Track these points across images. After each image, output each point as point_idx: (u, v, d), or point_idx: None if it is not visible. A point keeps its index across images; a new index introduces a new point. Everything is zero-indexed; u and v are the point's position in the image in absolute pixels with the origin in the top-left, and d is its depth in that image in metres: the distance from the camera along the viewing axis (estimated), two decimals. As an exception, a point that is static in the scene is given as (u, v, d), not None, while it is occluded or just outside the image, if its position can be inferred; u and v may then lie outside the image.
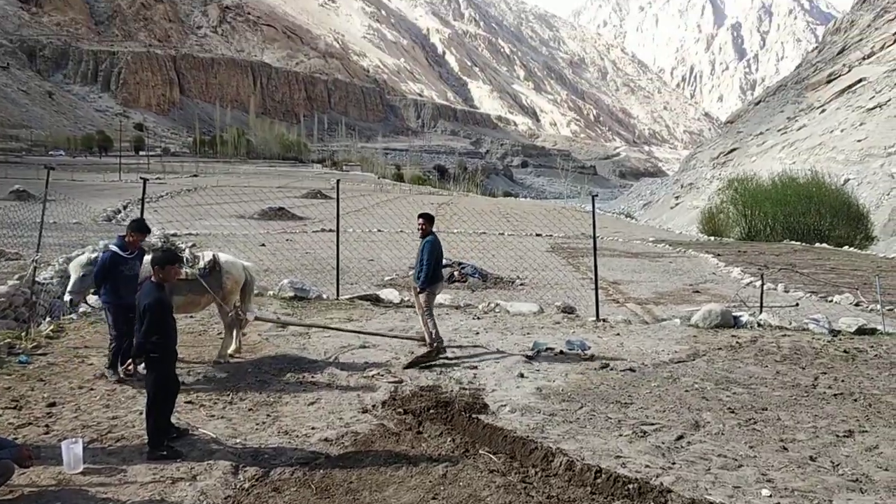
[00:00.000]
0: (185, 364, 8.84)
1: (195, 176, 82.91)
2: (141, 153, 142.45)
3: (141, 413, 6.99)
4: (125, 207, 35.56)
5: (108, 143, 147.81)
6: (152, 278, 6.57)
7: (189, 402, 7.64)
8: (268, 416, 7.41)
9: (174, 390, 6.60)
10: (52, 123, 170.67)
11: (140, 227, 8.50)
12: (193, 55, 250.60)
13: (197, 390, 8.11)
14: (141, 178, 17.20)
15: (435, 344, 9.80)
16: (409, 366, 9.43)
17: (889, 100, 73.51)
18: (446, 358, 9.84)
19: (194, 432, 6.79)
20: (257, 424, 7.15)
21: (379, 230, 30.45)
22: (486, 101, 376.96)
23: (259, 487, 5.74)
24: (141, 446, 6.37)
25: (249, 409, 7.59)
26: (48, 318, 11.22)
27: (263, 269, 18.03)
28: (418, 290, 10.11)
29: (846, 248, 32.78)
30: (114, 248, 8.33)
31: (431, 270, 10.02)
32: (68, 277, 8.65)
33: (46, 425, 6.84)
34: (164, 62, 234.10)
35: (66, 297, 8.64)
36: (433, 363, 9.59)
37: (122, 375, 8.24)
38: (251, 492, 5.66)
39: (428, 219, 10.34)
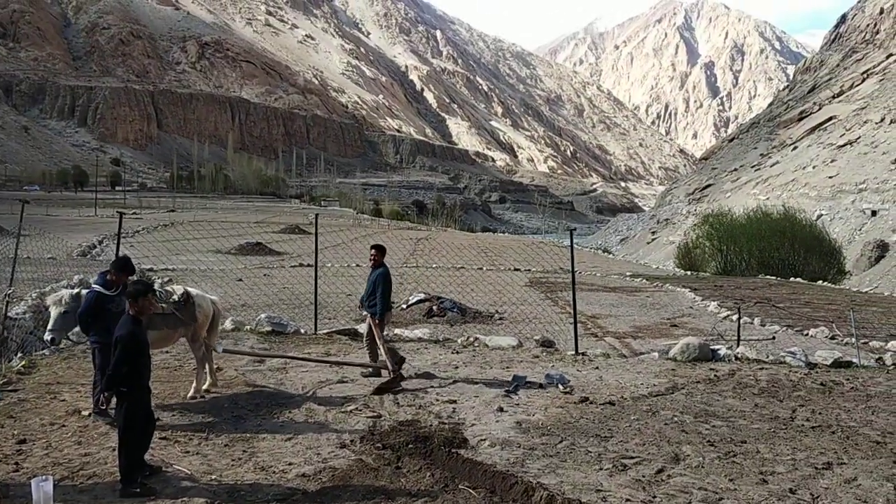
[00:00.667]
0: (160, 399, 8.70)
1: (172, 211, 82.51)
2: (117, 188, 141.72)
3: (113, 450, 6.86)
4: (101, 242, 35.26)
5: (84, 178, 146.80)
6: (129, 311, 6.51)
7: (164, 438, 7.50)
8: (244, 451, 7.30)
9: (149, 427, 6.49)
10: (28, 158, 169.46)
11: (124, 267, 8.25)
12: (172, 90, 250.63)
13: (172, 426, 7.98)
14: (117, 211, 17.08)
15: (398, 370, 10.24)
16: (377, 392, 9.69)
17: (859, 137, 75.09)
18: (417, 385, 9.80)
19: (168, 469, 6.67)
20: (233, 460, 7.03)
21: (357, 265, 30.36)
22: (464, 137, 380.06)
23: (234, 525, 5.63)
24: (113, 483, 6.24)
25: (225, 445, 7.47)
26: (19, 354, 11.03)
27: (241, 304, 17.90)
28: (377, 319, 10.70)
29: (820, 282, 33.16)
30: (97, 287, 8.12)
31: (388, 300, 10.78)
32: (48, 314, 8.35)
33: (16, 463, 6.68)
34: (142, 97, 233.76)
35: (48, 336, 8.34)
36: (397, 388, 9.93)
37: (92, 411, 8.06)
38: (226, 529, 5.55)
39: (381, 250, 11.07)
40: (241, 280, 22.95)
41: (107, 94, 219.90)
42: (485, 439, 7.85)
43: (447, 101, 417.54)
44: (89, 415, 8.16)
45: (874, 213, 59.67)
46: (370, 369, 10.74)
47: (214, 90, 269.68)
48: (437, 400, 9.49)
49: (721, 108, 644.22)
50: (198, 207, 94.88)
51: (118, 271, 8.16)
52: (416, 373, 10.93)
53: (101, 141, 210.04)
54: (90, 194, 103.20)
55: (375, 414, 8.73)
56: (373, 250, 11.03)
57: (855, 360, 12.75)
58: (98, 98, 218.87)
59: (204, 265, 26.80)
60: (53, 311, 8.26)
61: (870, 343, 15.11)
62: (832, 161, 74.43)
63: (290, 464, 6.97)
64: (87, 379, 9.79)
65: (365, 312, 11.08)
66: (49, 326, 8.25)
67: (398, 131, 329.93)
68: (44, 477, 5.83)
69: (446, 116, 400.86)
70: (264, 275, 25.64)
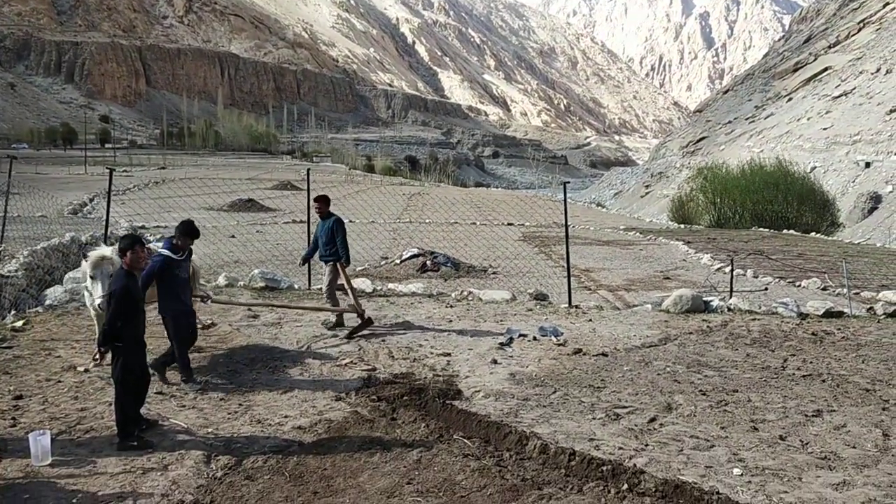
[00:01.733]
0: (155, 355, 8.71)
1: (163, 168, 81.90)
2: (107, 146, 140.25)
3: (110, 404, 6.90)
4: (91, 200, 35.04)
5: (72, 135, 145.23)
6: (122, 265, 6.48)
7: (159, 393, 7.55)
8: (240, 405, 7.35)
9: (144, 381, 6.52)
10: (15, 116, 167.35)
11: (188, 231, 8.05)
12: (159, 46, 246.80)
13: (167, 381, 8.01)
14: (107, 168, 16.91)
15: (366, 314, 10.65)
16: (350, 336, 10.22)
17: (854, 88, 74.67)
18: (411, 339, 9.86)
19: (164, 423, 6.72)
20: (229, 414, 7.08)
21: (350, 221, 30.26)
22: (456, 90, 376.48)
23: (232, 476, 5.69)
24: (111, 437, 6.28)
25: (221, 399, 7.51)
26: (13, 312, 11.01)
27: (234, 261, 17.89)
28: (343, 265, 10.88)
29: (813, 234, 33.28)
30: (165, 252, 7.94)
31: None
32: (101, 275, 7.59)
33: (13, 418, 6.71)
34: (130, 53, 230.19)
35: (97, 301, 7.57)
36: (364, 331, 10.43)
37: (202, 383, 7.90)
38: (223, 480, 5.61)
39: (325, 201, 11.10)
40: (233, 237, 22.88)
41: (93, 50, 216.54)
42: (479, 391, 7.91)
43: (439, 54, 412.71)
44: (85, 371, 8.19)
45: (868, 164, 59.63)
46: (332, 321, 10.86)
47: (203, 45, 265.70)
48: (432, 353, 9.55)
49: (716, 59, 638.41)
50: (189, 164, 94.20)
51: (182, 235, 8.00)
52: (409, 326, 10.99)
53: (88, 98, 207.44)
54: (79, 152, 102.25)
55: (370, 367, 8.78)
56: (316, 203, 11.05)
57: (846, 310, 12.85)
58: (84, 54, 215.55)
59: (196, 222, 26.67)
60: (101, 276, 7.68)
61: (861, 293, 15.22)
62: (827, 112, 74.11)
63: (286, 416, 7.02)
64: (81, 335, 9.81)
65: (323, 263, 11.15)
66: (101, 293, 7.55)
67: (390, 86, 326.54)
68: (41, 431, 5.87)
69: (438, 70, 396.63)
70: (257, 231, 25.57)
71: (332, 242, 10.83)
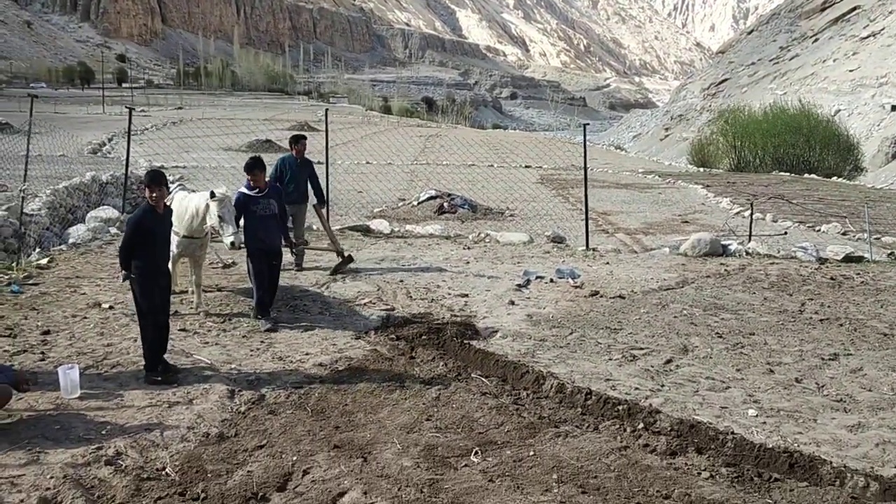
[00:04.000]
0: (179, 294, 8.85)
1: (180, 108, 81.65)
2: (124, 85, 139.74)
3: (135, 340, 7.05)
4: (110, 140, 35.11)
5: (89, 75, 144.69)
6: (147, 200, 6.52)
7: (183, 330, 7.68)
8: (261, 342, 7.47)
9: (154, 316, 6.41)
10: (32, 55, 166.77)
11: (250, 166, 7.98)
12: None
13: (191, 318, 8.15)
14: (127, 107, 16.89)
15: (347, 252, 10.90)
16: (334, 272, 10.45)
17: (883, 28, 72.63)
18: (429, 279, 9.94)
19: (188, 358, 6.85)
20: (251, 351, 7.21)
21: (368, 162, 30.23)
22: (474, 30, 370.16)
23: (255, 410, 5.82)
24: (137, 372, 6.43)
25: (243, 337, 7.64)
26: (38, 250, 11.17)
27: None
28: (322, 207, 11.11)
29: (835, 178, 32.84)
30: (243, 189, 8.04)
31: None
32: (226, 214, 7.61)
33: (42, 352, 6.87)
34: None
35: (230, 240, 7.57)
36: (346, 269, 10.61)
37: (271, 324, 7.93)
38: (248, 415, 5.74)
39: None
40: (252, 177, 22.90)
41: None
42: (496, 331, 8.00)
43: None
44: (110, 307, 8.33)
45: (894, 107, 58.36)
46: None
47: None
48: (449, 294, 9.62)
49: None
50: (205, 105, 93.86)
51: (247, 171, 8.00)
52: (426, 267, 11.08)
53: (104, 36, 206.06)
54: (97, 91, 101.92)
55: (389, 307, 8.87)
56: (305, 141, 11.09)
57: (866, 255, 12.77)
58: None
59: (214, 162, 26.73)
60: (228, 214, 7.65)
61: (882, 239, 15.10)
62: (854, 54, 72.28)
63: (307, 354, 7.15)
64: (105, 273, 9.96)
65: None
66: (233, 230, 7.60)
67: (407, 25, 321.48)
68: (70, 365, 6.02)
69: (456, 8, 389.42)
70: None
71: (304, 183, 10.84)
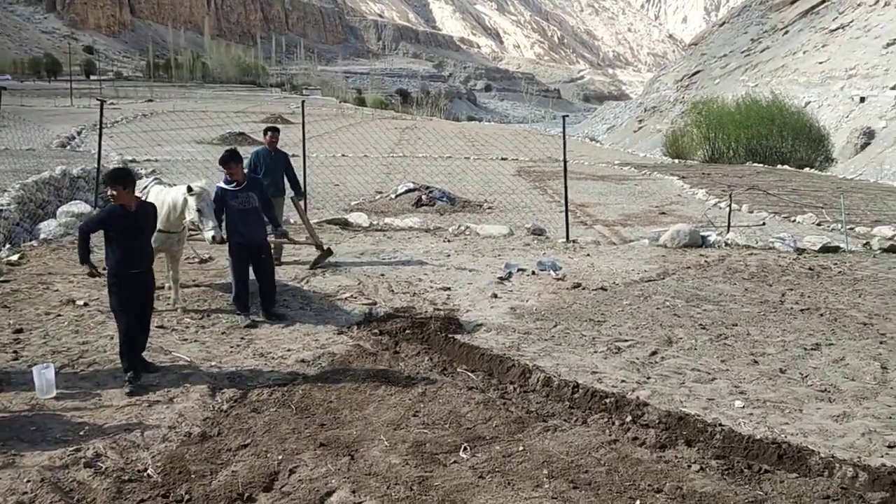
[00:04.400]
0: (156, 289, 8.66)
1: (150, 101, 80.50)
2: (92, 77, 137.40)
3: (111, 338, 6.90)
4: (79, 133, 34.48)
5: (56, 66, 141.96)
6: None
7: (160, 327, 7.52)
8: (242, 339, 7.34)
9: (128, 316, 6.12)
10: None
11: (229, 158, 7.74)
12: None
13: (168, 314, 7.99)
14: (98, 99, 16.56)
15: (326, 245, 10.73)
16: (314, 266, 10.34)
17: (851, 21, 73.51)
18: (411, 273, 9.85)
19: (167, 356, 6.71)
20: (232, 347, 7.08)
21: (343, 155, 29.99)
22: (448, 22, 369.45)
23: (238, 408, 5.71)
24: (114, 370, 6.28)
25: (223, 333, 7.51)
26: (8, 246, 10.91)
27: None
28: (301, 199, 11.00)
29: (807, 169, 33.18)
30: (220, 183, 7.85)
31: None
32: (204, 209, 7.43)
33: (15, 351, 6.69)
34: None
35: (211, 234, 7.43)
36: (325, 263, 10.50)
37: (251, 320, 7.82)
38: (230, 413, 5.63)
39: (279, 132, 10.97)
40: (226, 170, 22.61)
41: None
42: (481, 324, 7.93)
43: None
44: (84, 304, 8.15)
45: (862, 99, 59.14)
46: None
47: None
48: (432, 287, 9.54)
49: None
50: (176, 97, 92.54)
51: (223, 164, 7.77)
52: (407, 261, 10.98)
53: (71, 27, 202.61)
54: (64, 84, 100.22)
55: (371, 301, 8.77)
56: (276, 133, 10.73)
57: (843, 245, 12.88)
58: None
59: (188, 155, 26.35)
60: (207, 207, 7.48)
61: (856, 229, 15.25)
62: (823, 46, 73.09)
63: (288, 350, 7.03)
64: (78, 270, 9.72)
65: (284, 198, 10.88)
66: (213, 223, 7.44)
67: (380, 16, 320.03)
68: (45, 364, 5.87)
69: (429, 0, 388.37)
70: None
71: (279, 176, 10.58)
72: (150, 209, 6.58)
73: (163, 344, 7.04)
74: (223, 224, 7.70)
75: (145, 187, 8.34)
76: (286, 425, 5.41)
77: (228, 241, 7.77)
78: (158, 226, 7.71)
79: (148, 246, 6.46)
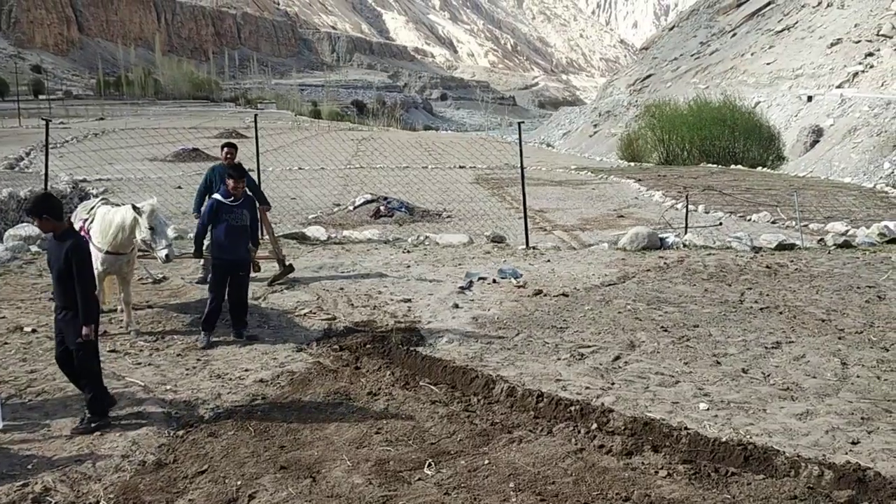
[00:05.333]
0: (107, 312, 8.42)
1: (101, 119, 79.07)
2: (41, 97, 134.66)
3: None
4: (28, 154, 33.67)
5: (3, 87, 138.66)
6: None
7: (113, 351, 7.29)
8: (198, 360, 7.14)
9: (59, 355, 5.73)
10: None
11: (241, 174, 7.66)
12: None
13: (121, 338, 7.75)
14: (43, 119, 16.13)
15: (288, 260, 10.56)
16: (272, 283, 10.10)
17: (796, 22, 75.23)
18: (370, 286, 9.72)
19: (119, 381, 6.49)
20: (187, 370, 6.88)
21: (300, 168, 29.71)
22: (402, 32, 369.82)
23: (194, 433, 5.52)
24: (64, 399, 6.05)
25: (178, 355, 7.30)
26: (-49, 272, 10.52)
27: (181, 212, 17.35)
28: (268, 209, 10.78)
29: (759, 168, 33.76)
30: (217, 196, 7.64)
31: None
32: (158, 227, 7.26)
33: (-42, 384, 6.41)
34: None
35: (164, 252, 7.27)
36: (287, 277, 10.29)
37: (208, 341, 7.61)
38: (186, 439, 5.44)
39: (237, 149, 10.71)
40: (180, 187, 22.23)
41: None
42: (442, 336, 7.84)
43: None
44: (32, 331, 7.87)
45: (810, 98, 60.43)
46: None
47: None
48: (392, 299, 9.42)
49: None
50: (128, 114, 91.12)
51: (230, 178, 7.62)
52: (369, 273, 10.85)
53: (18, 47, 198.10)
54: (12, 104, 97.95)
55: (330, 316, 8.62)
56: (233, 149, 10.36)
57: (798, 242, 13.06)
58: (11, 1, 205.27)
59: (140, 173, 25.90)
60: (160, 225, 7.29)
61: (809, 226, 15.49)
62: (770, 47, 74.65)
63: (246, 370, 6.85)
64: (26, 295, 9.44)
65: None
66: (166, 242, 7.30)
67: (333, 28, 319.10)
68: (-11, 396, 5.62)
69: (382, 11, 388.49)
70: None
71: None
72: (67, 241, 5.51)
73: (115, 369, 6.81)
74: (206, 240, 7.59)
75: (92, 208, 8.08)
76: (245, 449, 5.24)
77: (213, 258, 7.59)
78: (106, 247, 7.49)
79: (59, 284, 5.60)
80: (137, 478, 4.84)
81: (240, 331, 7.83)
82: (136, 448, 5.24)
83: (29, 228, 12.71)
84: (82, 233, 7.48)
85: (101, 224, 7.51)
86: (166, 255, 7.26)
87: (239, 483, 4.75)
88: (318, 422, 5.70)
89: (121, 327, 8.05)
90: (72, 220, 8.11)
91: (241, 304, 7.87)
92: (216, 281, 7.66)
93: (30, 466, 4.94)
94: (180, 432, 5.53)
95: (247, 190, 8.02)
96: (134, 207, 7.25)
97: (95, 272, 7.13)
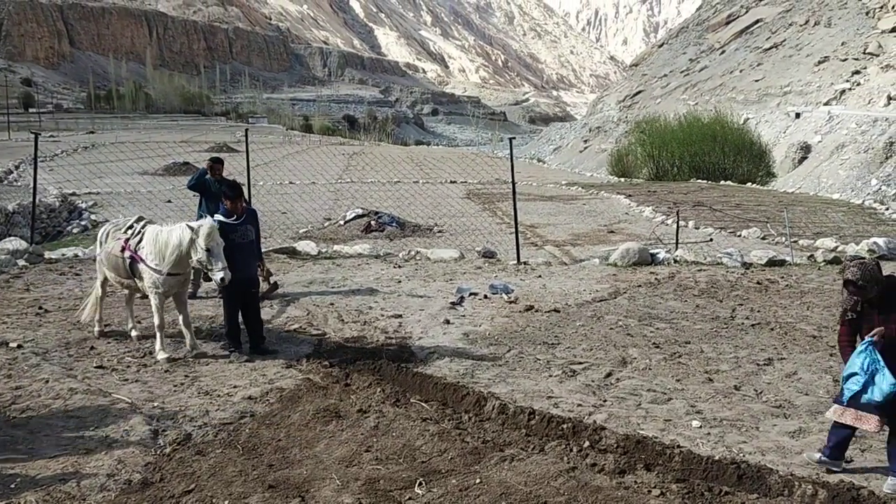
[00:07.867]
0: (88, 331, 8.33)
1: (92, 132, 78.90)
2: (31, 110, 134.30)
3: (46, 381, 6.59)
4: (17, 167, 33.51)
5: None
6: None
7: (100, 367, 7.20)
8: (186, 376, 7.06)
9: None
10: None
11: (237, 194, 7.61)
12: (82, 4, 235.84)
13: (108, 354, 7.66)
14: (32, 132, 16.03)
15: (273, 277, 10.40)
16: (262, 298, 9.59)
17: (784, 40, 75.95)
18: (361, 301, 9.67)
19: (104, 400, 6.40)
20: (175, 386, 6.80)
21: (291, 182, 29.68)
22: (393, 48, 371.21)
23: (181, 452, 5.44)
24: (49, 416, 5.96)
25: (165, 371, 7.21)
26: (-63, 287, 10.41)
27: (171, 226, 17.28)
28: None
29: (749, 184, 33.94)
30: (219, 216, 7.56)
31: None
32: (213, 248, 7.09)
33: (-59, 400, 6.31)
34: (50, 12, 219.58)
35: (220, 275, 7.07)
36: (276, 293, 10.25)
37: (246, 355, 7.58)
38: (173, 457, 5.35)
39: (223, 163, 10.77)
40: (169, 201, 22.13)
41: (11, 10, 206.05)
42: (433, 352, 7.78)
43: (374, 10, 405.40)
44: (18, 346, 7.77)
45: (798, 115, 60.93)
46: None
47: (128, 3, 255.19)
48: (383, 315, 9.36)
49: (650, 12, 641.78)
50: (119, 128, 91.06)
51: (227, 198, 7.61)
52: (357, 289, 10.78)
53: (8, 60, 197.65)
54: (2, 117, 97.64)
55: (320, 332, 8.55)
56: (220, 164, 10.57)
57: (788, 258, 13.09)
58: (2, 14, 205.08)
59: (130, 187, 25.78)
60: (216, 247, 7.12)
61: (799, 242, 15.54)
62: (758, 65, 75.30)
63: (234, 387, 6.78)
64: (13, 308, 9.33)
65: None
66: (222, 264, 7.08)
67: (325, 43, 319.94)
68: (-28, 414, 5.52)
69: (374, 26, 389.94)
70: (194, 195, 24.78)
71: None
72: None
73: (102, 385, 6.72)
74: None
75: (130, 227, 7.78)
76: (233, 467, 5.16)
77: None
78: (166, 269, 7.29)
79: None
80: (123, 497, 4.75)
81: (260, 346, 7.78)
82: (122, 467, 5.16)
83: (16, 242, 12.62)
84: (127, 252, 7.40)
85: (155, 245, 7.31)
86: (222, 278, 7.07)
87: (226, 502, 4.67)
88: (307, 440, 5.62)
89: (186, 351, 7.75)
90: (100, 239, 8.01)
91: (257, 320, 7.83)
92: (230, 300, 7.64)
93: (13, 486, 4.85)
94: (167, 450, 5.45)
95: (244, 204, 7.95)
96: (189, 227, 7.13)
97: (154, 296, 7.19)
